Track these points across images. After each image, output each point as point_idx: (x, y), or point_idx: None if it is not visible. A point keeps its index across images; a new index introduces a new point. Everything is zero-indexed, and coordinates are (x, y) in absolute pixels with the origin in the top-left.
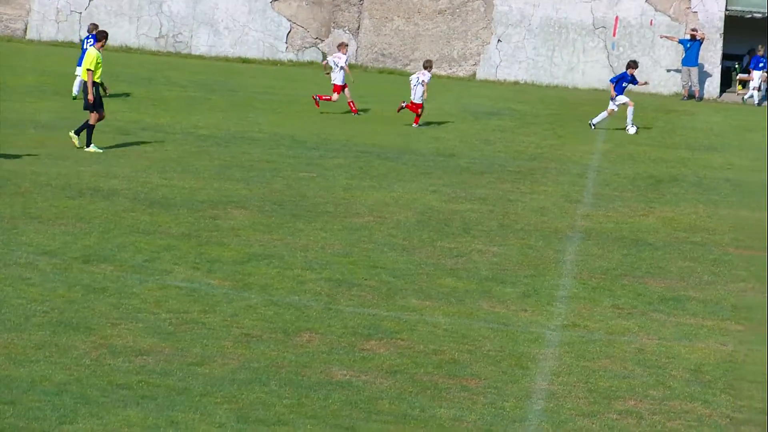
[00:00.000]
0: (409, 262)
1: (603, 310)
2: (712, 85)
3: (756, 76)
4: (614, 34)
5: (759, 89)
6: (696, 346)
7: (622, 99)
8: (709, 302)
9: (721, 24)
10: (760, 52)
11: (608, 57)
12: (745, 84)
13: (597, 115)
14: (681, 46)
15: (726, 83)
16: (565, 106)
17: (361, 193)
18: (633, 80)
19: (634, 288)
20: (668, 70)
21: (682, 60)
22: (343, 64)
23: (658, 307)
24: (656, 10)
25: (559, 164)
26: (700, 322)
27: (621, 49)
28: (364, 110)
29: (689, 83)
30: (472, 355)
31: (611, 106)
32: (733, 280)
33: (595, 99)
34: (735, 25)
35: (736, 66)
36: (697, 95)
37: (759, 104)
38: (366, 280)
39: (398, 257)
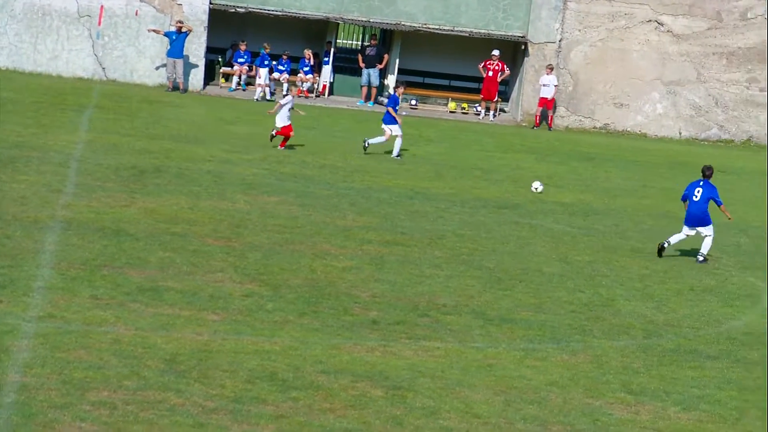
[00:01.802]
0: None
1: (81, 301)
2: (197, 78)
3: (263, 73)
4: (99, 24)
5: (267, 85)
6: (172, 336)
7: (396, 130)
8: (186, 292)
9: (206, 17)
10: (242, 47)
11: (93, 46)
12: (228, 77)
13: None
14: (167, 38)
15: (210, 76)
16: (48, 95)
17: None
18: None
19: (114, 278)
20: (157, 68)
21: (167, 52)
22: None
23: (136, 297)
24: (141, 0)
25: (42, 153)
26: (178, 312)
27: (106, 38)
28: None
29: (174, 75)
30: None
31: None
32: (211, 270)
33: (79, 88)
34: (219, 18)
35: (220, 59)
36: (181, 87)
37: (262, 100)
38: None
39: None
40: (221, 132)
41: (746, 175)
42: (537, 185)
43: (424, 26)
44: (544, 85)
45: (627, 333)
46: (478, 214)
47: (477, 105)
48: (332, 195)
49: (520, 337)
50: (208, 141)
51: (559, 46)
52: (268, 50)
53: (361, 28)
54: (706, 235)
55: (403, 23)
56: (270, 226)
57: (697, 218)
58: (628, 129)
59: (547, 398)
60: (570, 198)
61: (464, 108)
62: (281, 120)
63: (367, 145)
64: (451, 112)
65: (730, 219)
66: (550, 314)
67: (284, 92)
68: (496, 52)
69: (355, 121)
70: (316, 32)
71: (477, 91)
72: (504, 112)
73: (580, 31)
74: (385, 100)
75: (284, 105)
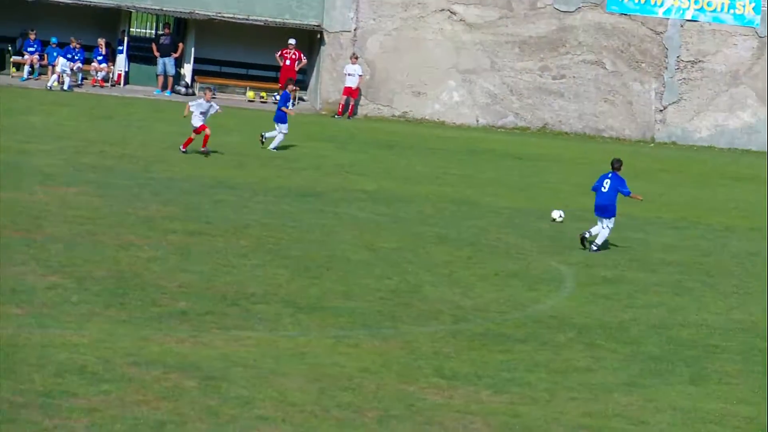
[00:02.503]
0: None
1: None
2: None
3: (61, 62)
4: None
5: (65, 74)
6: None
7: (284, 128)
8: None
9: None
10: (32, 37)
11: None
12: (19, 66)
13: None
14: None
15: (0, 65)
16: None
17: None
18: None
19: None
20: None
21: None
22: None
23: None
24: None
25: None
26: None
27: None
28: None
29: None
30: None
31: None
32: (13, 263)
33: None
34: (8, 7)
35: (10, 48)
36: None
37: (59, 89)
38: None
39: None
40: (15, 122)
41: (544, 162)
42: (557, 215)
43: (219, 15)
44: (348, 75)
45: (436, 318)
46: (282, 202)
47: (276, 94)
48: (133, 185)
49: (331, 325)
50: (2, 131)
51: (355, 35)
52: (74, 44)
53: (155, 17)
54: (606, 227)
55: (197, 12)
56: (71, 217)
57: (603, 208)
58: (427, 117)
59: (361, 385)
60: (373, 186)
61: (263, 97)
62: (196, 120)
63: (264, 140)
64: (249, 101)
65: (641, 199)
66: (360, 301)
67: (197, 95)
68: (292, 41)
69: (152, 111)
70: (109, 21)
71: (275, 79)
72: (303, 100)
73: (374, 20)
74: (183, 90)
75: (193, 107)
